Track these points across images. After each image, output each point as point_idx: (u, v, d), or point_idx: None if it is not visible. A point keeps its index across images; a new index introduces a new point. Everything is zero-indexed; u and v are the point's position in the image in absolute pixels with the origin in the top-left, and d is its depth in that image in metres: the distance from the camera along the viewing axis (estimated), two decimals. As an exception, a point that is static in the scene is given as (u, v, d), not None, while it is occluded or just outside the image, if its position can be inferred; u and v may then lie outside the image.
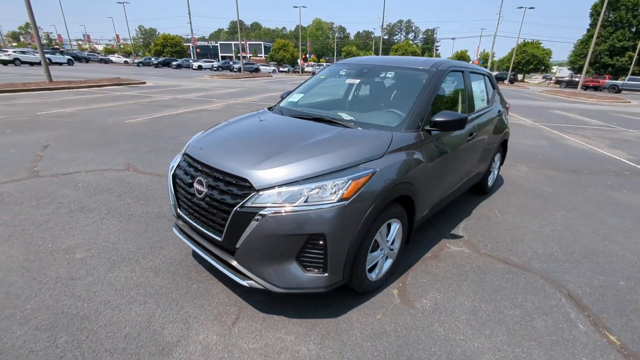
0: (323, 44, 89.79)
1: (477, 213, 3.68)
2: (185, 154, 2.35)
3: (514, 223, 3.48)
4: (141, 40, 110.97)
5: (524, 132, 8.84)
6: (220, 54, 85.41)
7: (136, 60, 50.76)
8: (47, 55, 33.38)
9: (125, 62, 53.98)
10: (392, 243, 2.39)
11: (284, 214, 1.76)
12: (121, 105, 10.28)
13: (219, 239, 1.95)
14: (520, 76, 57.30)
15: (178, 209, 2.30)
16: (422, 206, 2.56)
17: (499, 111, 3.93)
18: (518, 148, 6.86)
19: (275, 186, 1.83)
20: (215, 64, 45.21)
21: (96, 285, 2.27)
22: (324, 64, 53.69)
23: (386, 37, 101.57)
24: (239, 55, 78.99)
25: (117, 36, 67.76)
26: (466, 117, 2.42)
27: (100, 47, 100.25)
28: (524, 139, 7.89)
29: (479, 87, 3.63)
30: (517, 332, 2.02)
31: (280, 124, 2.58)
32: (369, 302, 2.23)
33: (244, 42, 66.45)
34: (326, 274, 1.89)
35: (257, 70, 42.89)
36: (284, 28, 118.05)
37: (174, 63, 44.25)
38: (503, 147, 4.29)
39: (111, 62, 53.00)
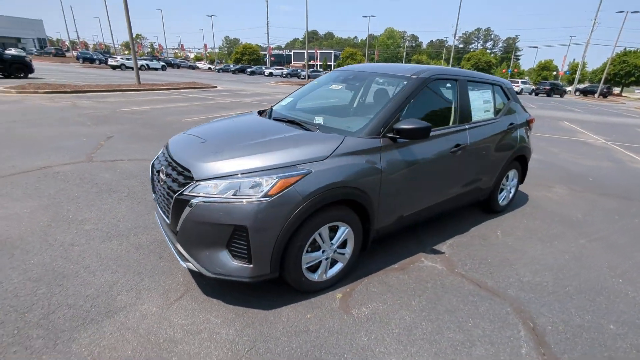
0: (393, 52, 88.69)
1: (475, 231, 3.42)
2: (165, 145, 2.66)
3: (513, 246, 3.16)
4: (226, 49, 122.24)
5: (587, 151, 7.77)
6: (293, 62, 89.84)
7: (217, 67, 55.93)
8: (145, 62, 39.36)
9: (209, 68, 59.73)
10: (343, 247, 2.40)
11: (211, 204, 1.93)
12: (186, 106, 11.48)
13: (168, 221, 2.19)
14: (617, 89, 49.72)
15: (153, 194, 2.61)
16: (384, 215, 2.51)
17: (511, 124, 3.60)
18: (569, 168, 6.08)
19: (213, 178, 2.01)
20: (285, 71, 47.59)
21: (87, 252, 2.69)
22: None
23: (461, 45, 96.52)
24: (308, 62, 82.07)
25: (205, 45, 75.30)
26: (429, 126, 2.33)
27: (191, 55, 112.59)
28: (583, 159, 6.95)
29: (481, 97, 3.39)
30: (446, 356, 1.89)
31: (251, 124, 2.77)
32: (307, 301, 2.27)
33: (313, 51, 69.07)
34: (251, 265, 2.00)
35: (322, 77, 44.02)
36: (355, 37, 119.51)
37: (249, 70, 47.73)
38: (521, 164, 3.91)
39: (197, 68, 59.19)
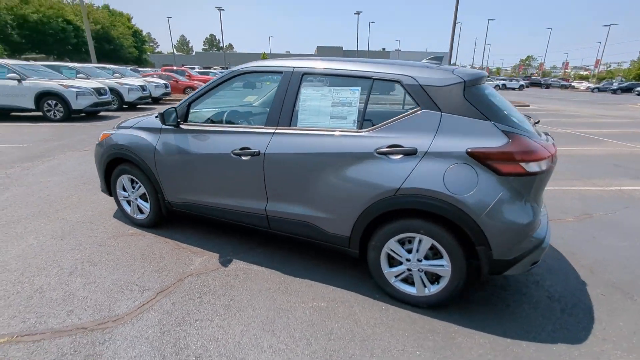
0: None
1: (306, 285, 2.39)
2: None
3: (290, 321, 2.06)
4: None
5: None
6: None
7: (591, 86, 45.88)
8: (503, 82, 40.40)
9: (588, 87, 49.71)
10: (144, 201, 3.12)
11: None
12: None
13: None
14: None
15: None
16: (168, 191, 2.89)
17: (394, 147, 1.94)
18: None
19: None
20: None
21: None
22: None
23: None
24: None
25: (597, 61, 61.97)
26: (162, 113, 2.52)
27: (585, 73, 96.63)
28: None
29: (329, 97, 2.16)
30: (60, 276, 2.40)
31: None
32: (119, 222, 3.29)
33: None
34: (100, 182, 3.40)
35: None
36: None
37: (638, 89, 34.61)
38: (455, 235, 1.92)
39: (572, 87, 51.11)
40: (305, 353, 1.84)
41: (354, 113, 2.18)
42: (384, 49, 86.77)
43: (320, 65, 2.33)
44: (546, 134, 2.33)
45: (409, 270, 2.15)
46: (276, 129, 2.36)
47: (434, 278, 2.13)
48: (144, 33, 57.10)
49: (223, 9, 44.45)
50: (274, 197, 2.43)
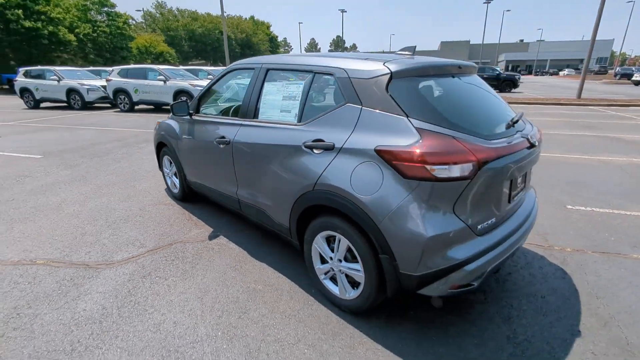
0: None
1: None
2: None
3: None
4: None
5: None
6: None
7: None
8: None
9: None
10: (176, 178, 3.77)
11: None
12: (556, 121, 9.79)
13: None
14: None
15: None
16: (188, 171, 3.43)
17: (318, 141, 1.88)
18: None
19: None
20: None
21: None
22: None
23: None
24: None
25: None
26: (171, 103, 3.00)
27: None
28: None
29: (281, 92, 2.19)
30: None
31: None
32: (164, 194, 4.06)
33: None
34: (157, 160, 4.26)
35: None
36: None
37: None
38: (363, 237, 1.75)
39: None
40: (211, 323, 2.02)
41: (296, 106, 2.20)
42: (521, 40, 75.00)
43: (279, 60, 2.44)
44: (524, 136, 1.89)
45: (332, 269, 2.08)
46: (244, 120, 2.57)
47: (355, 282, 2.00)
48: (281, 39, 64.32)
49: (345, 11, 46.18)
50: (241, 183, 2.65)
